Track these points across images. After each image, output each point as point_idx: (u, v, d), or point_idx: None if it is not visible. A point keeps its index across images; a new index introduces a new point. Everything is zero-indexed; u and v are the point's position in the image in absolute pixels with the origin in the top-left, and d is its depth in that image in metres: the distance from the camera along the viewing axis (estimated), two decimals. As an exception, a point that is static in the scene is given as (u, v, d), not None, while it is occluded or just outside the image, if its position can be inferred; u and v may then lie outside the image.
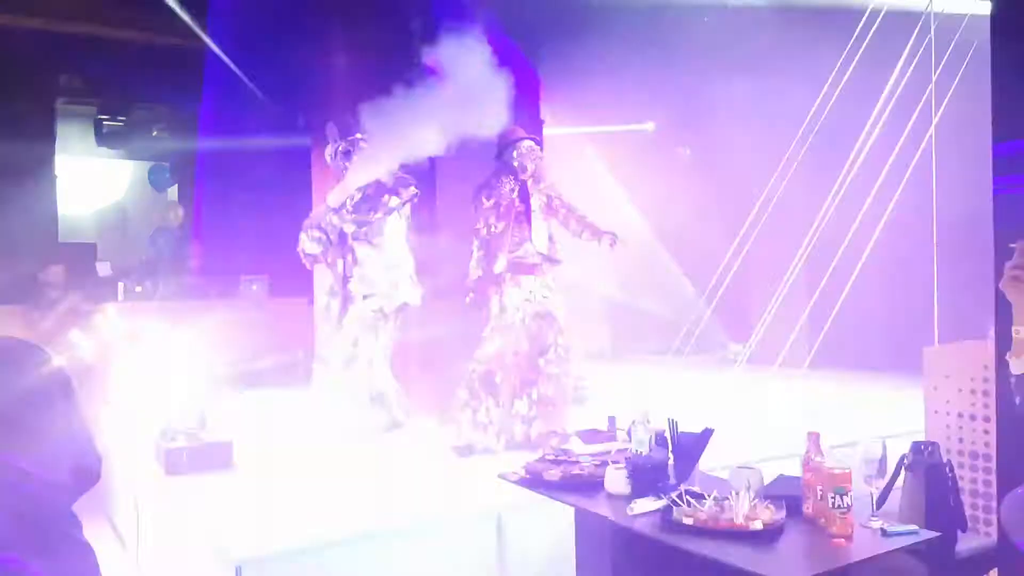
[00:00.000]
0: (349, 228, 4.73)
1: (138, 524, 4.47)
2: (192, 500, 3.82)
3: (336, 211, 4.75)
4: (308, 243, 4.70)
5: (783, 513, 2.27)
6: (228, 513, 3.71)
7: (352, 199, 4.74)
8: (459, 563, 3.43)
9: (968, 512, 3.92)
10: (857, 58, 4.76)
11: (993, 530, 3.42)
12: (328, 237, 4.74)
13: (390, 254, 4.70)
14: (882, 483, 2.31)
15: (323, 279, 5.18)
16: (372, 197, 4.73)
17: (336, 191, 4.72)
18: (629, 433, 2.81)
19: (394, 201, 4.70)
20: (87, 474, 1.60)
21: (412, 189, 4.74)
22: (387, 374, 4.78)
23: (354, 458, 4.75)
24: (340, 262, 4.83)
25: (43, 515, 1.46)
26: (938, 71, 4.33)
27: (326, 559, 3.24)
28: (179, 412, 4.62)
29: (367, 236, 4.68)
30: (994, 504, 3.42)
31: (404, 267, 4.74)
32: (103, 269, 6.44)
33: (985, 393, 3.92)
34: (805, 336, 4.62)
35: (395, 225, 4.75)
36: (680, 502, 2.33)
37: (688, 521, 2.25)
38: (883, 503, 2.70)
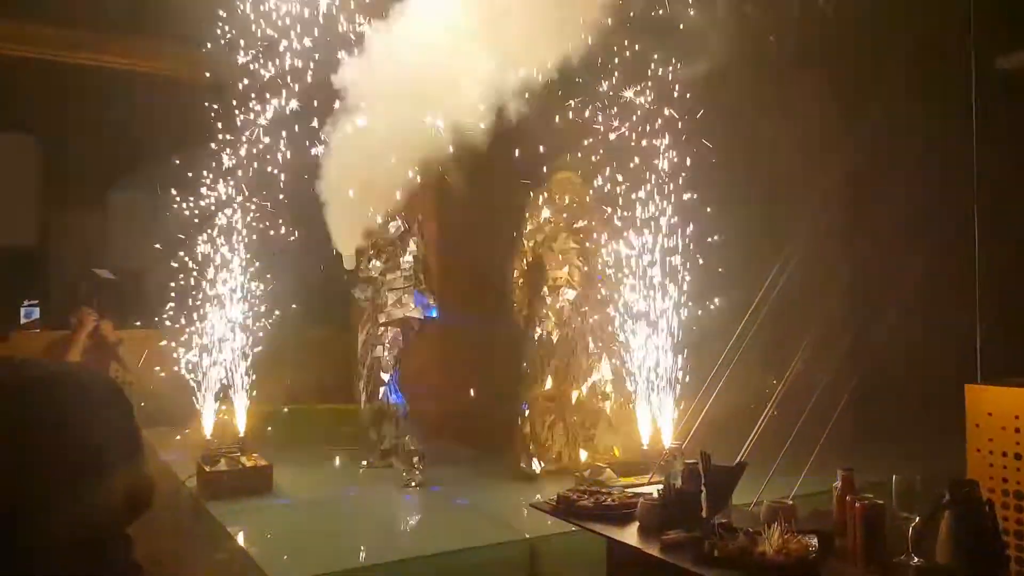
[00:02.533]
0: (377, 273, 5.17)
1: (179, 549, 4.57)
2: (231, 524, 3.89)
3: (361, 269, 5.19)
4: (360, 296, 5.30)
5: (815, 547, 2.27)
6: (267, 537, 3.79)
7: (365, 254, 5.19)
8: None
9: (1013, 554, 3.83)
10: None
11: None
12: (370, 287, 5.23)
13: (397, 277, 5.12)
14: (917, 520, 2.29)
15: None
16: (378, 245, 5.20)
17: (346, 258, 5.14)
18: (663, 465, 2.83)
19: (392, 237, 5.19)
20: (141, 501, 1.63)
21: (399, 224, 5.19)
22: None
23: (393, 483, 4.83)
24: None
25: (100, 537, 1.53)
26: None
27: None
28: (219, 436, 4.75)
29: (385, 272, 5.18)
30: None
31: (408, 286, 5.12)
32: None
33: (1030, 432, 3.84)
34: (845, 371, 4.58)
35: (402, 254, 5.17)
36: (712, 535, 2.35)
37: (719, 554, 2.26)
38: (921, 542, 2.68)
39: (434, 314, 5.18)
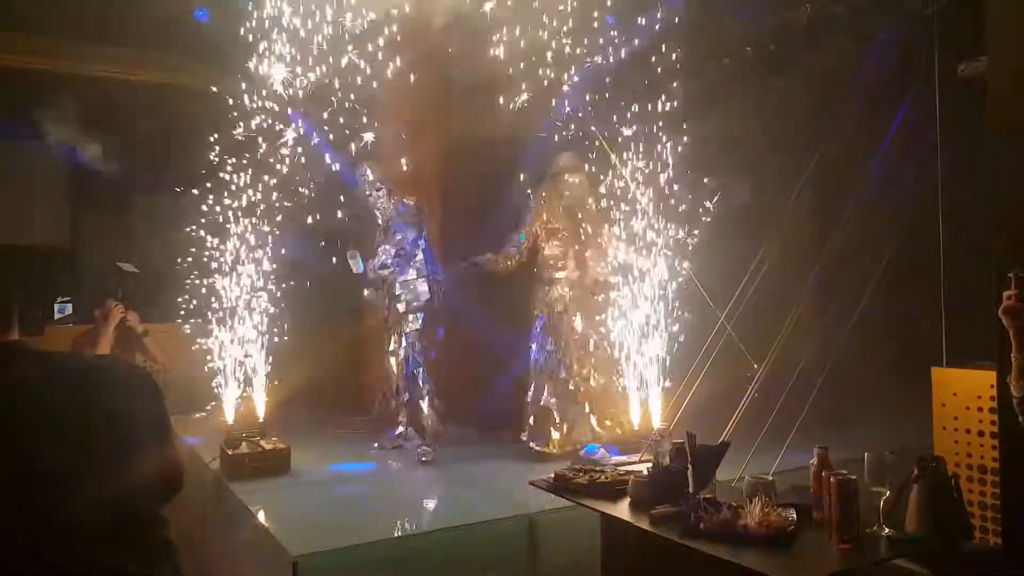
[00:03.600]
0: (390, 258, 5.14)
1: (204, 526, 4.58)
2: (253, 503, 3.90)
3: (379, 265, 5.16)
4: (371, 297, 5.27)
5: (794, 520, 2.27)
6: (286, 514, 3.80)
7: (385, 250, 5.16)
8: (499, 559, 3.47)
9: (977, 523, 3.84)
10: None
11: (999, 540, 3.36)
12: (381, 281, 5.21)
13: (410, 267, 5.11)
14: (888, 493, 2.30)
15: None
16: (399, 241, 5.15)
17: (351, 263, 5.17)
18: (652, 445, 2.84)
19: (411, 232, 5.16)
20: (173, 484, 1.67)
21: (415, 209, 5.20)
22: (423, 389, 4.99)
23: (403, 462, 4.86)
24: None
25: (138, 517, 1.53)
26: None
27: (376, 553, 3.31)
28: (240, 421, 4.76)
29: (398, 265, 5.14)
30: (1000, 516, 3.36)
31: (420, 275, 5.11)
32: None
33: (992, 411, 3.85)
34: (821, 356, 4.58)
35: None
36: (697, 509, 2.35)
37: (704, 527, 2.27)
38: (892, 513, 2.69)
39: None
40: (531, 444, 4.76)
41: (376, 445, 5.16)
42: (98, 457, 1.46)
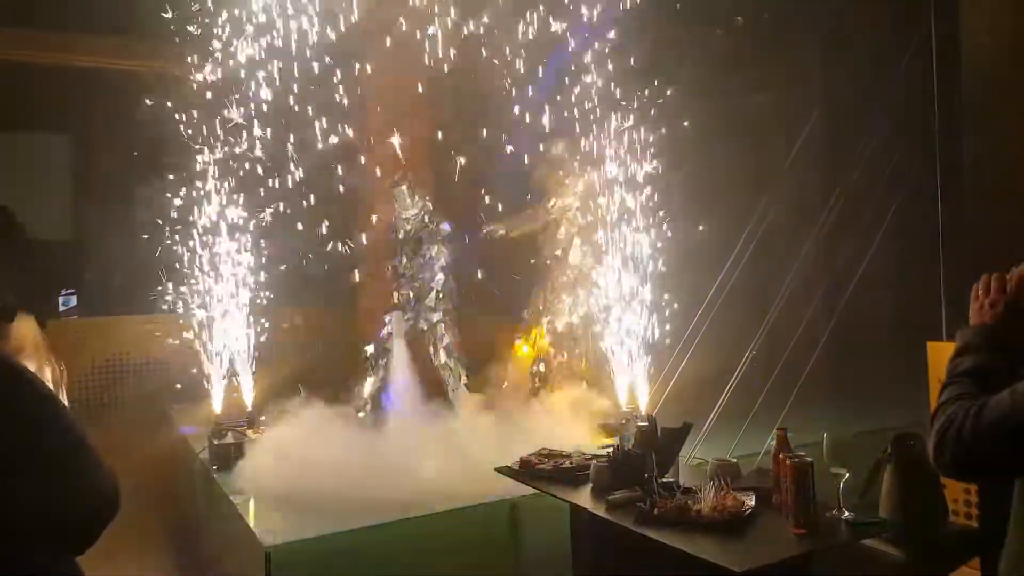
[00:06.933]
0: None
1: (198, 516, 4.63)
2: (236, 492, 3.92)
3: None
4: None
5: (751, 504, 2.23)
6: (266, 504, 3.82)
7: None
8: (477, 546, 3.47)
9: (962, 502, 3.76)
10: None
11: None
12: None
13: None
14: (847, 475, 2.24)
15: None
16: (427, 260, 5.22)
17: None
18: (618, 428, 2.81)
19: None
20: (100, 503, 1.26)
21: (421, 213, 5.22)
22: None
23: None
24: None
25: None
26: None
27: (350, 541, 3.31)
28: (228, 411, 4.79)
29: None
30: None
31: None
32: None
33: (987, 386, 3.75)
34: (811, 334, 4.51)
35: None
36: (653, 494, 2.32)
37: (658, 512, 2.24)
38: (866, 494, 2.63)
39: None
40: None
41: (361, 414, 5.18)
42: None
